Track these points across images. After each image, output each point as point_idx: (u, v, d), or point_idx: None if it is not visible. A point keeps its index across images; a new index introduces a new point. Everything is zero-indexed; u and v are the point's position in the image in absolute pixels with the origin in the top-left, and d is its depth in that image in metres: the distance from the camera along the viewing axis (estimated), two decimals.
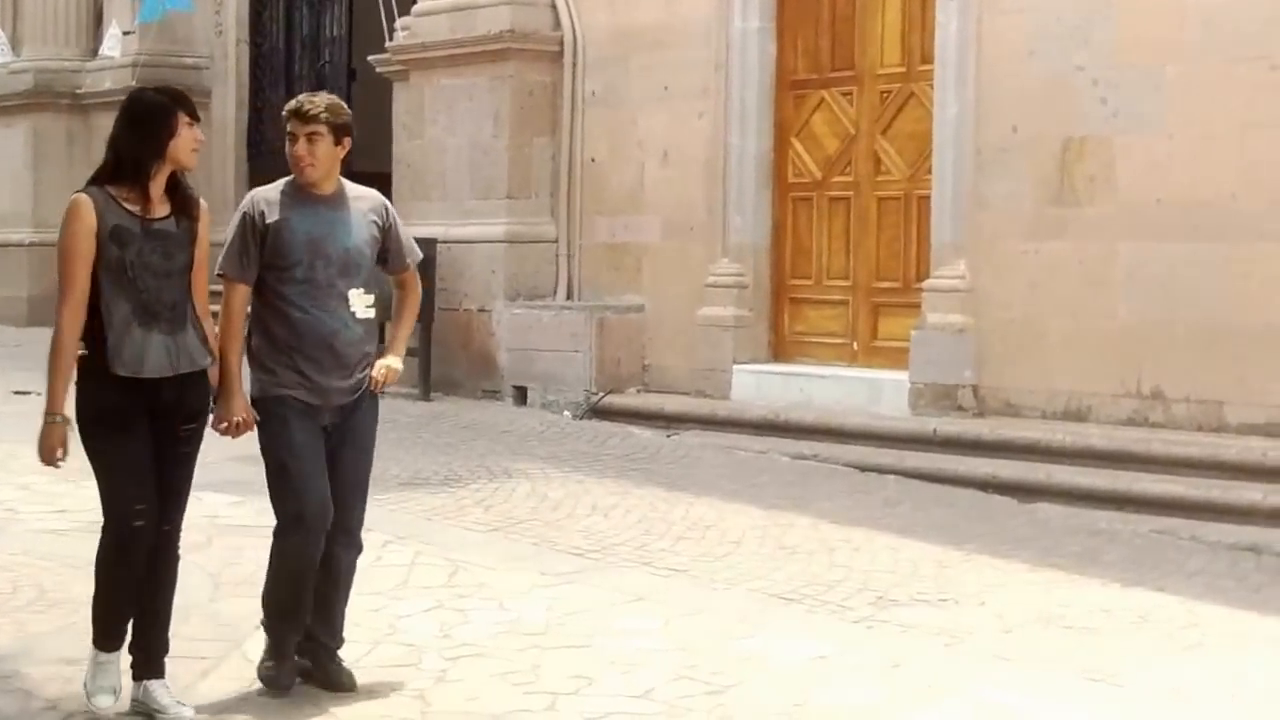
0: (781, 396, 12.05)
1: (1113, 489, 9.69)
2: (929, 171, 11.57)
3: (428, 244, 10.96)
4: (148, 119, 5.63)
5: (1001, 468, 10.26)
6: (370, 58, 15.75)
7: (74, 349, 5.51)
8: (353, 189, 6.14)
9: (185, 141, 5.65)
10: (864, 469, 10.81)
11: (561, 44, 13.97)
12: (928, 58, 11.68)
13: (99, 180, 5.65)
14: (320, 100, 6.03)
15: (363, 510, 6.14)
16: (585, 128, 13.84)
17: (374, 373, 6.07)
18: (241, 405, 5.87)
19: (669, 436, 12.05)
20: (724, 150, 12.78)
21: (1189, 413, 10.04)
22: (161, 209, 5.67)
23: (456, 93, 14.21)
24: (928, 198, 11.56)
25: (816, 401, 11.85)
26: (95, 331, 5.56)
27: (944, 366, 11.16)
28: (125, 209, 5.59)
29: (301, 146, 5.95)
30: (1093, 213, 10.53)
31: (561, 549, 8.60)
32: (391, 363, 6.14)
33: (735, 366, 12.49)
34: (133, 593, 5.66)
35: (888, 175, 12.08)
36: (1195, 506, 9.29)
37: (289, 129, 5.99)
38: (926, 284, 11.41)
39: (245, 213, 5.97)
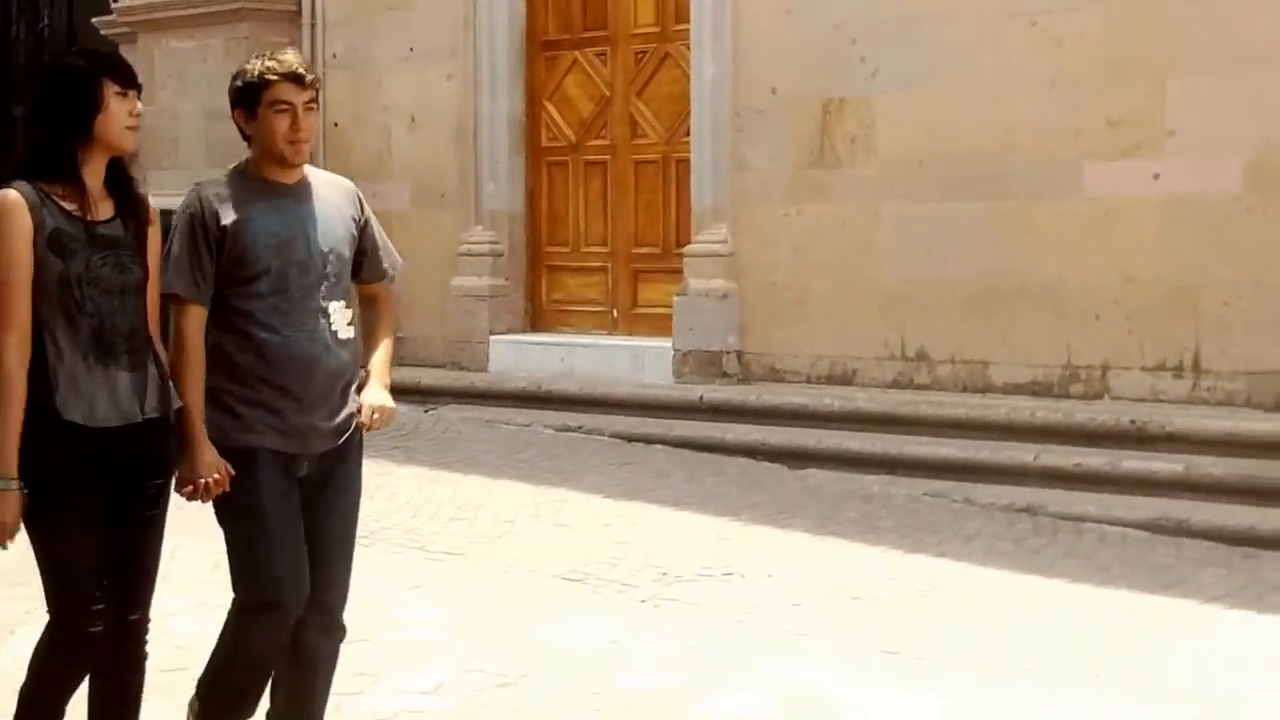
0: (541, 367, 11.75)
1: (883, 452, 9.62)
2: (687, 134, 11.36)
3: (163, 215, 10.34)
4: (64, 92, 4.39)
5: (770, 434, 10.13)
6: (94, 20, 14.97)
7: (22, 391, 4.29)
8: (317, 175, 4.87)
9: (116, 117, 4.40)
10: (631, 439, 10.59)
11: (299, 3, 13.42)
12: (683, 17, 11.46)
13: (23, 174, 4.38)
14: (300, 58, 4.76)
15: (347, 584, 4.93)
16: (327, 91, 13.25)
17: (364, 415, 4.79)
18: (213, 460, 4.56)
19: (427, 411, 11.66)
20: (474, 113, 12.40)
21: (954, 374, 10.01)
22: (105, 208, 4.43)
23: (188, 56, 13.57)
24: (687, 161, 11.34)
25: (578, 371, 11.58)
26: (34, 370, 4.32)
27: (708, 333, 10.98)
28: (63, 209, 4.35)
29: (301, 119, 4.63)
30: (854, 174, 10.43)
31: None
32: (382, 400, 4.83)
33: (492, 337, 12.14)
34: (68, 698, 4.62)
35: (645, 138, 11.84)
36: (967, 468, 9.26)
37: (277, 96, 4.62)
38: (688, 249, 11.21)
39: (191, 213, 4.64)
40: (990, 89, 9.82)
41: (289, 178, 4.73)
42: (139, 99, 4.48)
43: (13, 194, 4.29)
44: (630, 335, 11.80)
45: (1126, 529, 8.39)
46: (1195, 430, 8.77)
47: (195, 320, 4.59)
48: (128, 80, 4.44)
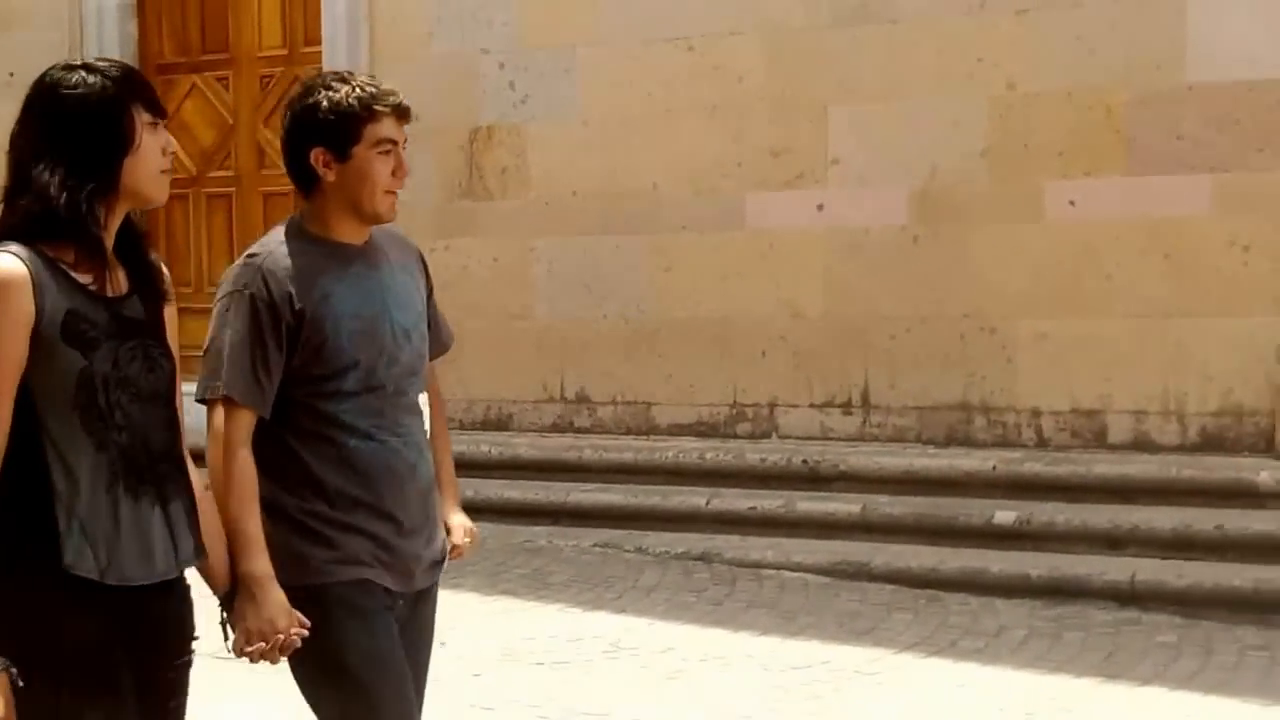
0: None
1: (548, 501, 9.09)
2: None
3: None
4: (83, 124, 3.15)
5: None
6: None
7: None
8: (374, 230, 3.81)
9: (149, 159, 3.19)
10: None
11: None
12: (313, 39, 10.74)
13: (18, 233, 3.14)
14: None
15: None
16: None
17: (457, 538, 3.90)
18: (284, 609, 3.46)
19: None
20: None
21: (617, 416, 9.55)
22: (120, 280, 3.21)
23: None
24: None
25: (191, 423, 10.69)
26: (32, 505, 3.10)
27: None
28: (77, 283, 3.14)
29: (404, 164, 3.70)
30: (506, 206, 9.90)
31: None
32: (469, 522, 4.02)
33: None
34: None
35: (274, 169, 11.02)
36: (637, 515, 8.80)
37: (383, 134, 3.67)
38: None
39: (252, 294, 3.57)
40: (648, 116, 9.42)
41: (360, 237, 3.70)
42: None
43: (13, 262, 3.07)
44: None
45: (807, 574, 8.02)
46: (869, 469, 8.49)
47: (246, 430, 3.51)
48: (158, 107, 3.24)
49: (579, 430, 9.62)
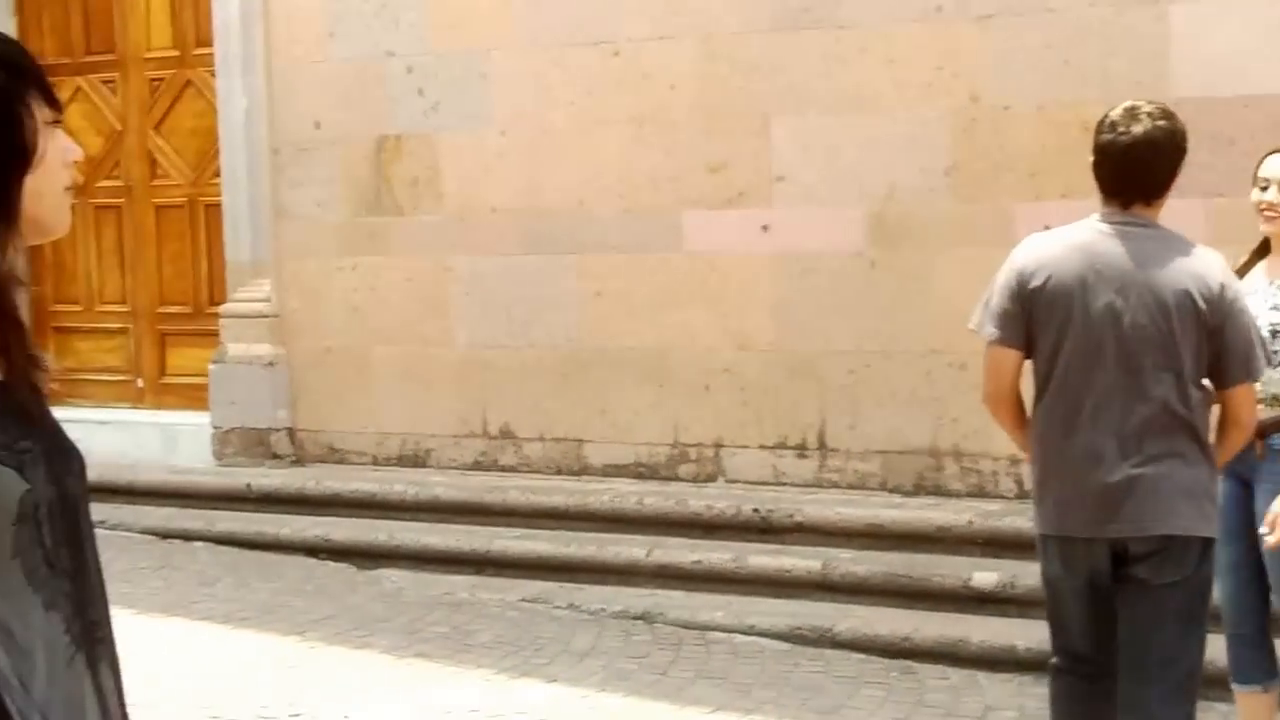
0: None
1: (470, 549, 8.28)
2: (217, 174, 9.80)
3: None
4: None
5: (334, 528, 8.67)
6: None
7: None
8: None
9: (54, 173, 2.20)
10: (167, 536, 9.00)
11: None
12: (205, 39, 9.91)
13: None
14: None
15: None
16: None
17: None
18: None
19: None
20: None
21: (545, 454, 8.76)
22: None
23: None
24: (218, 205, 9.77)
25: (98, 452, 9.66)
26: None
27: (252, 407, 9.44)
28: None
29: None
30: (418, 222, 9.08)
31: None
32: None
33: None
34: None
35: (166, 179, 10.22)
36: (569, 567, 8.00)
37: None
38: (224, 308, 9.66)
39: None
40: (570, 126, 8.62)
41: None
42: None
43: None
44: (160, 409, 10.16)
45: (763, 639, 7.22)
46: (829, 519, 7.69)
47: None
48: (56, 99, 2.22)
49: (504, 469, 8.84)
